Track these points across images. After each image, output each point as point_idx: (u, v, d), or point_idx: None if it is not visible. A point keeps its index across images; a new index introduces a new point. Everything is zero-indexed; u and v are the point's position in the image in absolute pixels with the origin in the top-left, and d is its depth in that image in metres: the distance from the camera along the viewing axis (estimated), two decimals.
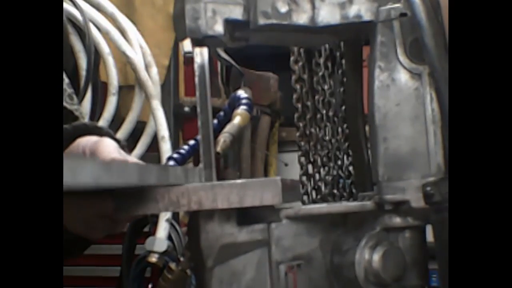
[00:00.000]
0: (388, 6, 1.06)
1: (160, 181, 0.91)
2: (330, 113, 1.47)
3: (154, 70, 2.37)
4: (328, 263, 1.06)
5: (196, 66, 1.06)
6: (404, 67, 1.04)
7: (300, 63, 1.47)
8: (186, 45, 1.09)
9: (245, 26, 1.08)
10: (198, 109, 1.06)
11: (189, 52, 1.07)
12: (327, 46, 1.44)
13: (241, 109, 1.24)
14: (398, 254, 1.05)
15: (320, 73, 1.46)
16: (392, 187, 1.04)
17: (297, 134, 1.49)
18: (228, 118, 1.24)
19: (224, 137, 1.18)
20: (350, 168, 1.48)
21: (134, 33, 2.39)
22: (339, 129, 1.48)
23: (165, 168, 0.96)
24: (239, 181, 0.97)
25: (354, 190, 1.45)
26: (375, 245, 1.03)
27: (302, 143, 1.48)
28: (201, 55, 1.06)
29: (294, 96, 1.48)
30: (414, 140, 1.04)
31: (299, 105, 1.48)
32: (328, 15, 1.08)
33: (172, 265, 1.98)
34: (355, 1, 1.07)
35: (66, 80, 1.26)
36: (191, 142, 1.28)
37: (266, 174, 3.01)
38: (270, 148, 3.09)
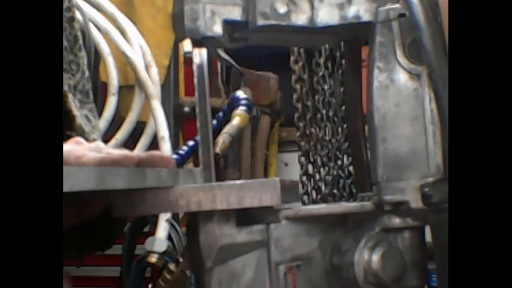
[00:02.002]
0: (387, 7, 1.06)
1: (131, 185, 0.89)
2: (330, 113, 1.47)
3: (154, 70, 2.37)
4: (327, 264, 1.06)
5: (194, 66, 1.06)
6: (403, 68, 1.04)
7: (300, 63, 1.47)
8: (186, 45, 1.09)
9: (244, 27, 1.08)
10: (197, 110, 1.06)
11: (189, 52, 1.07)
12: (327, 46, 1.44)
13: (240, 109, 1.24)
14: (397, 254, 1.04)
15: (320, 73, 1.46)
16: (391, 187, 1.04)
17: (297, 134, 1.49)
18: (227, 119, 1.24)
19: (223, 138, 1.18)
20: (350, 168, 1.48)
21: (134, 33, 2.39)
22: (339, 129, 1.48)
23: (141, 171, 0.93)
24: (238, 182, 0.97)
25: (354, 190, 1.45)
26: (374, 246, 1.03)
27: (302, 143, 1.48)
28: (199, 55, 1.06)
29: (294, 96, 1.48)
30: (413, 140, 1.04)
31: (299, 105, 1.48)
32: (327, 16, 1.08)
33: (172, 266, 1.99)
34: (354, 2, 1.07)
35: (84, 66, 1.26)
36: (191, 143, 1.28)
37: (266, 174, 3.01)
38: (270, 148, 3.09)
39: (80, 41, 1.26)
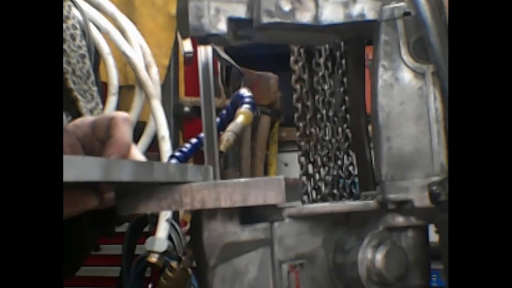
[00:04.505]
0: (392, 5, 1.06)
1: (137, 178, 0.86)
2: (330, 113, 1.47)
3: (154, 70, 2.37)
4: (330, 262, 1.06)
5: (200, 64, 1.06)
6: (408, 66, 1.04)
7: (300, 63, 1.48)
8: (186, 45, 1.09)
9: (248, 25, 1.08)
10: (202, 107, 1.06)
11: (189, 52, 1.07)
12: (327, 46, 1.44)
13: (245, 108, 1.23)
14: (401, 253, 1.04)
15: (320, 73, 1.47)
16: (395, 186, 1.04)
17: (297, 134, 1.49)
18: (231, 117, 1.24)
19: (227, 136, 1.17)
20: (350, 168, 1.48)
21: (134, 33, 2.38)
22: (339, 129, 1.48)
23: (148, 164, 0.89)
24: (242, 180, 0.96)
25: (354, 190, 1.45)
26: (378, 245, 1.03)
27: (302, 143, 1.49)
28: (205, 53, 1.06)
29: (294, 96, 1.48)
30: (417, 139, 1.04)
31: (299, 105, 1.48)
32: (331, 14, 1.08)
33: (174, 264, 1.98)
34: (359, 0, 1.07)
35: (98, 98, 1.27)
36: (193, 140, 1.28)
37: (266, 174, 3.01)
38: (270, 148, 3.09)
39: (93, 77, 1.30)
